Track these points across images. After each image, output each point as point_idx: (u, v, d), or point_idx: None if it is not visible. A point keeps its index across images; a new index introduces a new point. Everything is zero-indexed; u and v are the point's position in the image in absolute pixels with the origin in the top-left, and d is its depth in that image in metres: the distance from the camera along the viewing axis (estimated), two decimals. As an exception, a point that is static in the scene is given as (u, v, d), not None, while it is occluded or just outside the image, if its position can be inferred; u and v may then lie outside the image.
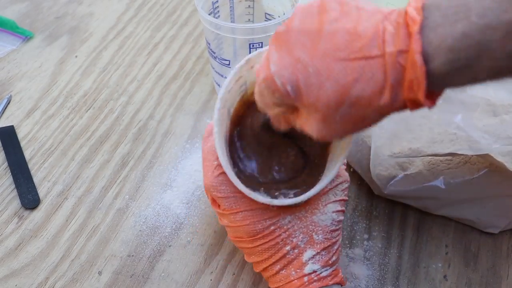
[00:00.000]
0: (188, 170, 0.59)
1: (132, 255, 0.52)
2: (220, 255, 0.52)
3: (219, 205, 0.44)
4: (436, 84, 0.30)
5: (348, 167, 0.58)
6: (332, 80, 0.31)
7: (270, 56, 0.33)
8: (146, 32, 0.77)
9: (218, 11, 0.63)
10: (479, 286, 0.49)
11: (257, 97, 0.37)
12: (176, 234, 0.53)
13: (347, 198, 0.45)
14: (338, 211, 0.44)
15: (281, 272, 0.43)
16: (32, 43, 0.75)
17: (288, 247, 0.42)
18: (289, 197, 0.43)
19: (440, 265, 0.51)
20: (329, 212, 0.44)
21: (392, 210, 0.55)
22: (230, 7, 0.64)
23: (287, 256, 0.43)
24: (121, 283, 0.50)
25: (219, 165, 0.42)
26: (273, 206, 0.42)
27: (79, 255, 0.52)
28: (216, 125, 0.41)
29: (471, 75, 0.29)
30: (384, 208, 0.55)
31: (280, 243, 0.42)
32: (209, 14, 0.59)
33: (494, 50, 0.27)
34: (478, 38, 0.27)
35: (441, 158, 0.51)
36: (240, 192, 0.42)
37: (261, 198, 0.41)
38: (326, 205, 0.44)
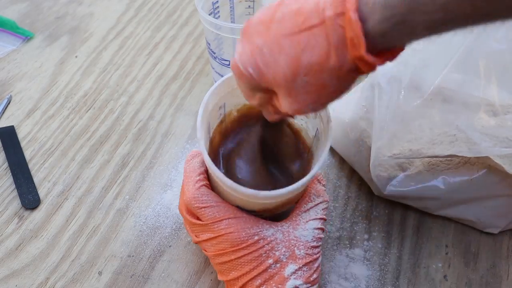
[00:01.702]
0: (188, 170, 0.59)
1: (132, 255, 0.52)
2: (220, 255, 0.52)
3: (198, 219, 0.44)
4: (377, 41, 0.31)
5: (348, 167, 0.58)
6: (284, 55, 0.34)
7: (236, 48, 0.37)
8: (146, 32, 0.77)
9: (218, 11, 0.63)
10: (479, 286, 0.50)
11: (240, 89, 0.40)
12: (176, 235, 0.53)
13: (325, 218, 0.46)
14: (318, 228, 0.44)
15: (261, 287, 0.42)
16: (32, 43, 0.75)
17: (270, 260, 0.42)
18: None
19: (440, 265, 0.51)
20: (310, 229, 0.44)
21: (392, 210, 0.55)
22: (230, 7, 0.64)
23: (269, 270, 0.42)
24: (121, 283, 0.50)
25: (200, 180, 0.44)
26: (256, 217, 0.43)
27: (79, 255, 0.52)
28: (200, 135, 0.42)
29: (408, 30, 0.30)
30: (384, 208, 0.55)
31: (263, 255, 0.42)
32: (209, 14, 0.59)
33: (426, 3, 0.28)
34: None
35: (440, 158, 0.51)
36: (223, 202, 0.43)
37: (248, 190, 0.40)
38: (307, 221, 0.44)
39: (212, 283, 0.50)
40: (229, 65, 0.61)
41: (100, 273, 0.50)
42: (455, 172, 0.50)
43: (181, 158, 0.60)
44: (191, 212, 0.44)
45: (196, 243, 0.45)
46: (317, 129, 0.45)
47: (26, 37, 0.76)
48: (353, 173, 0.58)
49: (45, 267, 0.51)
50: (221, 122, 0.48)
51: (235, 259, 0.42)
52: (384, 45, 0.32)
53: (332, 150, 0.60)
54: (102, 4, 0.82)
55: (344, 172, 0.58)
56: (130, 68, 0.71)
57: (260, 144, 0.46)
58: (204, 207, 0.43)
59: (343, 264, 0.51)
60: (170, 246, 0.52)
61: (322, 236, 0.44)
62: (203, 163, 0.46)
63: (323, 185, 0.48)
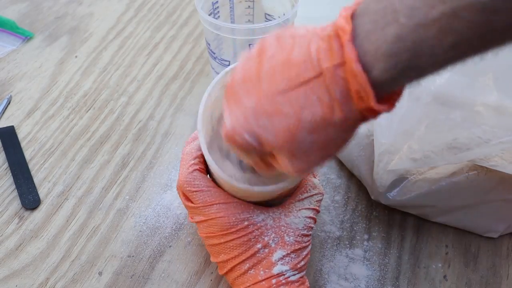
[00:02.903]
0: (188, 170, 0.59)
1: (133, 256, 0.52)
2: (220, 256, 0.52)
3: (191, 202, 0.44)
4: (385, 88, 0.29)
5: (347, 171, 0.58)
6: (282, 115, 0.30)
7: (224, 113, 0.34)
8: (146, 32, 0.77)
9: (218, 11, 0.63)
10: (479, 286, 0.50)
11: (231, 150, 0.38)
12: (176, 235, 0.53)
13: (319, 209, 0.46)
14: (310, 217, 0.45)
15: (249, 272, 0.42)
16: (32, 43, 0.75)
17: (259, 245, 0.42)
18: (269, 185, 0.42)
19: (440, 265, 0.51)
20: (302, 217, 0.44)
21: (392, 211, 0.55)
22: (230, 7, 0.64)
23: (257, 254, 0.42)
24: (121, 283, 0.50)
25: (195, 164, 0.44)
26: (247, 202, 0.43)
27: (80, 255, 0.52)
28: (200, 127, 0.42)
29: (417, 73, 0.28)
30: (384, 209, 0.55)
31: (252, 240, 0.42)
32: (209, 15, 0.59)
33: (432, 46, 0.26)
34: (413, 39, 0.26)
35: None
36: (215, 186, 0.43)
37: (241, 184, 0.40)
38: (300, 210, 0.44)
39: (212, 283, 0.50)
40: (229, 65, 0.61)
41: (100, 273, 0.50)
42: (450, 178, 0.50)
43: (181, 158, 0.60)
44: (185, 195, 0.45)
45: (193, 222, 0.46)
46: None
47: (26, 37, 0.76)
48: (353, 174, 0.58)
49: (45, 267, 0.51)
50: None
51: (224, 242, 0.43)
52: (391, 90, 0.30)
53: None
54: (102, 4, 0.82)
55: (344, 172, 0.58)
56: (130, 68, 0.71)
57: None
58: (196, 191, 0.43)
59: (343, 264, 0.51)
60: (170, 246, 0.52)
61: (313, 226, 0.45)
62: (200, 146, 0.45)
63: (318, 179, 0.48)
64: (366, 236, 0.53)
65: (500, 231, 0.52)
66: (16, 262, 0.51)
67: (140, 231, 0.54)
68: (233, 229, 0.42)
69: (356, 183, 0.57)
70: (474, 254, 0.52)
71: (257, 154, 0.35)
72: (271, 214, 0.44)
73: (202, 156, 0.44)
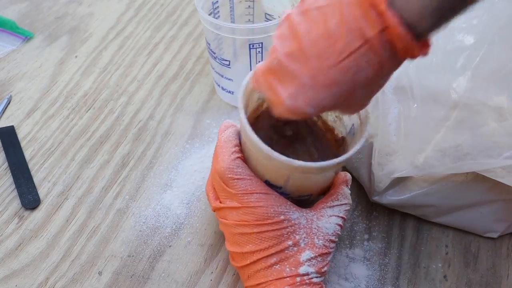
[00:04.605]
0: (188, 170, 0.59)
1: (132, 256, 0.52)
2: (220, 255, 0.52)
3: (227, 193, 0.44)
4: (426, 36, 0.32)
5: (348, 167, 0.58)
6: (338, 84, 0.34)
7: (277, 90, 0.36)
8: (146, 32, 0.77)
9: (218, 11, 0.63)
10: (479, 286, 0.50)
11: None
12: (176, 235, 0.53)
13: (346, 218, 0.46)
14: (339, 224, 0.45)
15: (274, 266, 0.42)
16: (32, 43, 0.75)
17: (290, 242, 0.42)
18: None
19: (440, 265, 0.51)
20: (333, 223, 0.44)
21: (392, 210, 0.55)
22: (230, 7, 0.64)
23: (286, 251, 0.42)
24: (121, 283, 0.50)
25: (236, 151, 0.44)
26: (285, 198, 0.44)
27: (79, 255, 0.52)
28: (241, 105, 0.42)
29: (451, 18, 0.31)
30: (384, 208, 0.55)
31: (285, 235, 0.42)
32: (209, 14, 0.59)
33: None
34: None
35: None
36: (255, 176, 0.43)
37: (283, 157, 0.40)
38: (330, 216, 0.45)
39: (212, 283, 0.50)
40: (229, 65, 0.61)
41: (100, 273, 0.50)
42: (450, 178, 0.50)
43: (181, 158, 0.60)
44: (225, 181, 0.44)
45: (216, 210, 0.45)
46: (353, 124, 0.46)
47: (26, 37, 0.76)
48: (352, 174, 0.58)
49: (45, 267, 0.51)
50: (258, 106, 0.48)
51: (257, 232, 0.42)
52: (426, 37, 0.33)
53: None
54: (102, 4, 0.82)
55: (344, 172, 0.58)
56: (130, 68, 0.71)
57: (292, 137, 0.49)
58: (237, 179, 0.43)
59: (343, 264, 0.51)
60: (170, 246, 0.52)
61: (340, 233, 0.45)
62: (237, 134, 0.46)
63: (349, 188, 0.48)
64: (366, 236, 0.53)
65: (500, 231, 0.52)
66: (16, 262, 0.51)
67: (140, 231, 0.54)
68: (269, 221, 0.42)
69: (356, 183, 0.57)
70: (474, 254, 0.52)
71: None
72: (304, 214, 0.44)
73: (240, 144, 0.45)
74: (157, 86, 0.69)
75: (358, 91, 0.35)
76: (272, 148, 0.42)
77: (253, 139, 0.41)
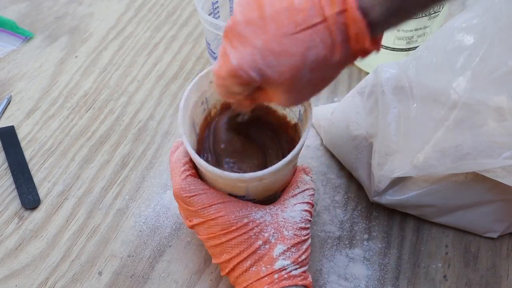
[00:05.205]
0: (188, 170, 0.59)
1: (132, 256, 0.52)
2: (220, 255, 0.52)
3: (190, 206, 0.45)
4: (378, 30, 0.34)
5: (347, 171, 0.58)
6: (288, 55, 0.34)
7: (227, 51, 0.36)
8: (146, 32, 0.77)
9: (218, 11, 0.63)
10: (479, 286, 0.50)
11: (219, 91, 0.39)
12: (176, 235, 0.53)
13: (313, 203, 0.47)
14: (306, 210, 0.45)
15: (251, 269, 0.43)
16: (32, 43, 0.75)
17: (260, 241, 0.43)
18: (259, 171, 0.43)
19: (440, 265, 0.51)
20: (298, 210, 0.45)
21: (392, 210, 0.55)
22: (230, 7, 0.64)
23: (258, 251, 0.43)
24: (121, 283, 0.50)
25: (186, 170, 0.45)
26: (245, 201, 0.44)
27: (79, 255, 0.52)
28: (182, 131, 0.43)
29: (405, 15, 0.33)
30: (384, 208, 0.55)
31: (253, 237, 0.43)
32: (209, 15, 0.59)
33: None
34: None
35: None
36: (209, 188, 0.44)
37: (232, 174, 0.41)
38: (295, 204, 0.45)
39: (212, 283, 0.50)
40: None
41: (100, 273, 0.50)
42: (450, 178, 0.50)
43: (181, 158, 0.60)
44: (183, 201, 0.45)
45: (190, 227, 0.46)
46: (299, 111, 0.47)
47: (26, 37, 0.76)
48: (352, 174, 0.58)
49: (45, 267, 0.51)
50: (206, 117, 0.49)
51: (225, 241, 0.43)
52: (381, 32, 0.34)
53: (332, 152, 0.60)
54: (102, 4, 0.82)
55: (344, 172, 0.58)
56: (130, 68, 0.71)
57: (246, 134, 0.49)
58: (192, 196, 0.44)
59: (343, 264, 0.51)
60: (170, 246, 0.52)
61: (310, 219, 0.46)
62: (186, 152, 0.46)
63: (310, 177, 0.49)
64: (366, 236, 0.53)
65: (499, 231, 0.52)
66: (15, 262, 0.51)
67: (140, 231, 0.54)
68: (234, 227, 0.43)
69: (356, 183, 0.57)
70: (474, 254, 0.52)
71: (247, 92, 0.38)
72: (268, 210, 0.44)
73: (191, 161, 0.45)
74: (157, 86, 0.69)
75: (304, 72, 0.34)
76: (234, 145, 0.44)
77: (200, 163, 0.42)
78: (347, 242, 0.52)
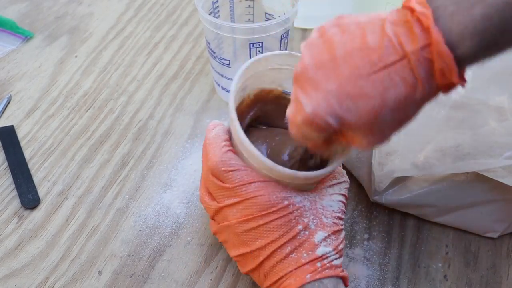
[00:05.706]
0: (188, 170, 0.59)
1: (132, 255, 0.52)
2: (220, 255, 0.52)
3: (223, 186, 0.42)
4: (465, 65, 0.32)
5: (347, 171, 0.58)
6: (366, 98, 0.32)
7: (299, 98, 0.34)
8: (146, 32, 0.77)
9: (218, 11, 0.63)
10: (479, 286, 0.50)
11: (298, 138, 0.38)
12: (176, 234, 0.53)
13: (347, 196, 0.46)
14: (342, 201, 0.44)
15: (291, 255, 0.40)
16: (32, 43, 0.75)
17: (300, 226, 0.40)
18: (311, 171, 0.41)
19: (440, 265, 0.51)
20: (335, 200, 0.43)
21: (392, 210, 0.55)
22: (230, 7, 0.64)
23: (298, 237, 0.40)
24: (121, 283, 0.49)
25: (227, 145, 0.43)
26: (284, 184, 0.42)
27: (79, 255, 0.52)
28: (234, 115, 0.41)
29: (497, 50, 0.31)
30: (384, 208, 0.55)
31: (293, 220, 0.40)
32: (209, 14, 0.59)
33: None
34: (499, 17, 0.29)
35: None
36: (250, 166, 0.41)
37: (286, 169, 0.39)
38: (332, 194, 0.44)
39: (212, 283, 0.50)
40: (229, 64, 0.61)
41: (99, 273, 0.50)
42: (450, 178, 0.50)
43: (181, 157, 0.60)
44: (218, 176, 0.43)
45: (215, 213, 0.43)
46: None
47: (26, 37, 0.76)
48: (352, 174, 0.58)
49: (44, 267, 0.51)
50: (240, 104, 0.47)
51: (263, 224, 0.40)
52: (469, 66, 0.32)
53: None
54: (102, 4, 0.82)
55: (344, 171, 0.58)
56: (130, 68, 0.71)
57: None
58: (232, 171, 0.41)
59: (343, 264, 0.51)
60: (170, 246, 0.52)
61: (345, 210, 0.44)
62: (225, 132, 0.44)
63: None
64: (366, 236, 0.53)
65: (500, 231, 0.52)
66: (15, 261, 0.51)
67: (140, 230, 0.54)
68: (274, 208, 0.40)
69: (356, 183, 0.57)
70: (474, 254, 0.52)
71: (325, 136, 0.36)
72: (306, 196, 0.42)
73: (230, 141, 0.44)
74: (157, 86, 0.69)
75: (384, 113, 0.32)
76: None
77: (250, 149, 0.39)
78: (347, 242, 0.52)
